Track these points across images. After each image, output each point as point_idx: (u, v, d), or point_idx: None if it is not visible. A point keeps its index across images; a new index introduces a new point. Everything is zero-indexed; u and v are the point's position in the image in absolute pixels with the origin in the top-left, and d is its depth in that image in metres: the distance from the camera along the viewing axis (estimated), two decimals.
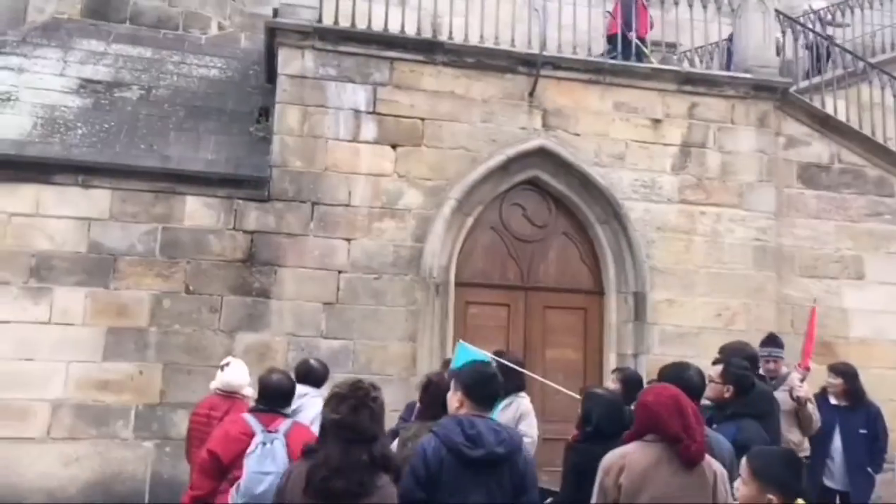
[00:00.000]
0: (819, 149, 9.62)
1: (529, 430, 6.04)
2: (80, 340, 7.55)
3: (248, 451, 4.38)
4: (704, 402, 4.90)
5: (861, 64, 10.27)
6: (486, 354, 7.28)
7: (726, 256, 9.09)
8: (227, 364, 5.67)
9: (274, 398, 4.76)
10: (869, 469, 6.67)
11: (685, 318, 8.87)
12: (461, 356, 7.39)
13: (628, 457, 3.41)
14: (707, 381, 4.88)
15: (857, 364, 9.18)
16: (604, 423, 4.29)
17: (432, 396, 4.23)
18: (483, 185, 8.74)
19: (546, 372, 8.77)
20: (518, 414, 6.11)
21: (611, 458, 3.49)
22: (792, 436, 6.09)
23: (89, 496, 7.30)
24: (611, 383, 5.85)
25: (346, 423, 3.06)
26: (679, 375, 4.21)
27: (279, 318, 8.04)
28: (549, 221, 9.08)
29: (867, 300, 9.39)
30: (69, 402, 7.47)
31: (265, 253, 8.09)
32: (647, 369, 8.52)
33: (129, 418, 7.58)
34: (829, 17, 12.19)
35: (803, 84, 10.16)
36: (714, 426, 4.72)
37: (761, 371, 6.03)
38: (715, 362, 4.94)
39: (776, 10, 10.10)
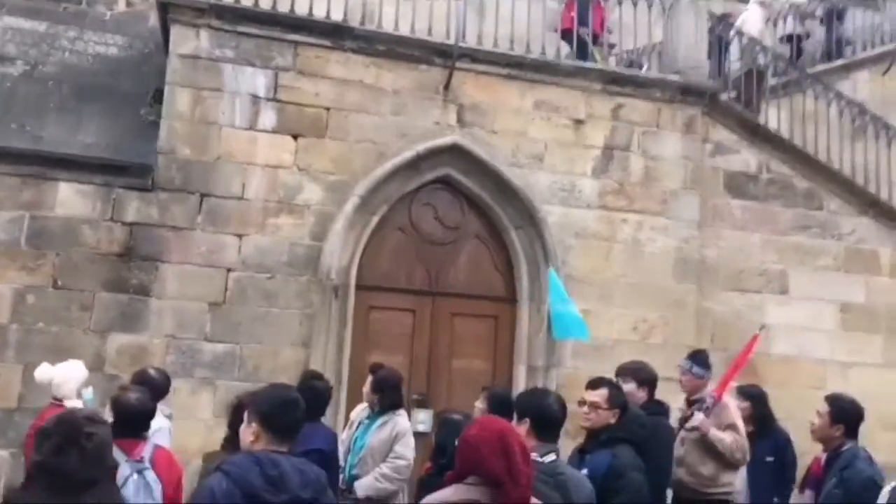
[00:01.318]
0: (747, 157, 9.24)
1: (405, 452, 5.57)
2: None
3: None
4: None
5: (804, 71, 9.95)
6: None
7: (646, 266, 8.65)
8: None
9: (135, 423, 4.19)
10: (776, 500, 6.24)
11: (600, 331, 8.38)
12: (554, 286, 6.96)
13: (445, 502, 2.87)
14: (588, 408, 4.39)
15: (779, 383, 8.87)
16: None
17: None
18: (390, 183, 8.18)
19: (452, 384, 8.29)
20: (394, 434, 5.65)
21: None
22: (703, 469, 5.59)
23: None
24: (479, 402, 5.34)
25: (48, 465, 2.47)
26: (537, 405, 3.69)
27: (158, 319, 7.39)
28: (462, 224, 8.56)
29: (791, 316, 9.03)
30: None
31: (146, 247, 7.43)
32: (559, 383, 8.06)
33: None
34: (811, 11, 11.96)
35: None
36: (586, 455, 4.23)
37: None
38: (593, 386, 4.43)
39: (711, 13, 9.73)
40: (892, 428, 8.51)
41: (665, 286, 8.64)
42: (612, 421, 4.20)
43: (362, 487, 5.55)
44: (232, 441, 3.69)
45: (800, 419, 8.83)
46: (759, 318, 8.97)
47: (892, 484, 3.75)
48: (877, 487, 4.10)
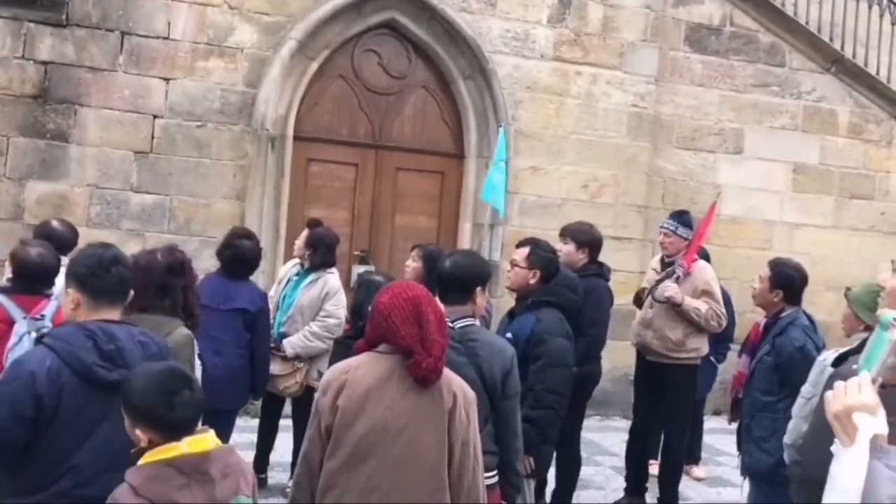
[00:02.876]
0: (711, 9, 8.75)
1: (336, 310, 5.40)
2: None
3: (10, 344, 3.68)
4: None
5: None
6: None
7: (599, 123, 8.32)
8: None
9: (36, 280, 3.89)
10: (712, 358, 6.24)
11: (549, 188, 8.16)
12: (500, 146, 6.65)
13: (352, 372, 2.64)
14: (510, 267, 4.19)
15: (725, 243, 8.82)
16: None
17: (141, 281, 3.32)
18: (331, 26, 7.60)
19: (395, 240, 8.07)
20: (324, 292, 5.46)
21: (331, 373, 2.72)
22: (671, 333, 5.46)
23: None
24: (410, 261, 5.12)
25: None
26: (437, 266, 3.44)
27: (80, 167, 6.96)
28: (408, 73, 8.06)
29: (743, 176, 8.85)
30: None
31: (62, 89, 6.89)
32: (504, 241, 7.89)
33: None
34: None
35: None
36: (513, 318, 4.06)
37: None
38: (519, 245, 4.22)
39: None
40: (836, 289, 8.53)
41: (618, 143, 8.35)
42: (532, 282, 3.99)
43: (291, 345, 5.40)
44: (130, 302, 3.41)
45: (745, 280, 8.89)
46: (711, 179, 8.82)
47: (832, 352, 3.60)
48: (807, 357, 3.99)
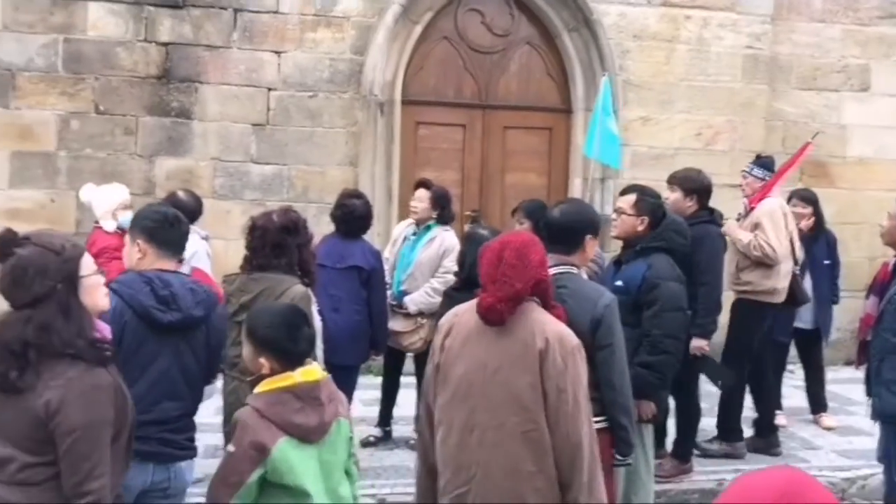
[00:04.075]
0: None
1: (454, 266, 5.44)
2: None
3: None
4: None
5: None
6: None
7: (712, 68, 8.04)
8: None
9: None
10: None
11: (660, 139, 7.98)
12: (605, 97, 6.72)
13: (459, 315, 2.73)
14: (616, 215, 4.15)
15: (853, 186, 8.42)
16: (475, 269, 3.59)
17: (259, 241, 3.54)
18: None
19: (505, 199, 8.10)
20: (442, 249, 5.57)
21: (445, 316, 2.83)
22: (730, 265, 5.41)
23: None
24: (517, 225, 5.11)
25: None
26: (541, 215, 3.45)
27: (203, 142, 7.32)
28: (511, 30, 8.02)
29: (870, 115, 8.38)
30: None
31: (183, 68, 7.24)
32: (615, 196, 7.77)
33: None
34: None
35: None
36: (622, 265, 4.03)
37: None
38: (624, 193, 4.17)
39: None
40: None
41: (732, 88, 8.05)
42: (640, 229, 3.95)
43: (413, 302, 5.53)
44: (249, 261, 3.62)
45: (875, 224, 8.45)
46: (835, 119, 8.40)
47: None
48: None
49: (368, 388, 6.73)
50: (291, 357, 2.63)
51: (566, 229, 3.31)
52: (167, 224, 3.02)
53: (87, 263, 2.36)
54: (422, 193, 5.77)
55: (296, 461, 2.56)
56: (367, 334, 5.18)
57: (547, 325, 2.63)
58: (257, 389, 2.61)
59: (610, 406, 3.16)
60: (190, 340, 2.94)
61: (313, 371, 2.66)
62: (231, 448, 2.58)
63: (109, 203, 4.97)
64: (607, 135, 6.55)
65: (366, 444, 5.54)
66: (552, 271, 3.05)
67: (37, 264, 2.23)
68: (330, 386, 2.72)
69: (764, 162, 5.83)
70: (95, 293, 2.37)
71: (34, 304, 2.23)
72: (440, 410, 2.69)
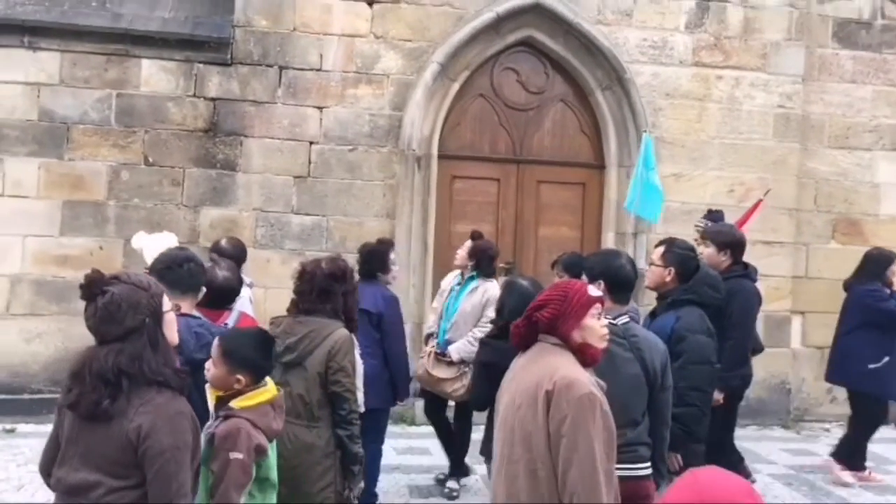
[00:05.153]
0: (860, 3, 8.42)
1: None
2: (35, 214, 7.22)
3: None
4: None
5: None
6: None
7: (744, 126, 8.17)
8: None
9: (222, 298, 4.33)
10: None
11: (693, 195, 8.08)
12: (648, 150, 6.84)
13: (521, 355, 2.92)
14: (647, 266, 4.25)
15: (887, 243, 8.39)
16: (514, 317, 3.71)
17: (307, 286, 3.69)
18: (471, 47, 7.90)
19: (538, 252, 8.23)
20: (485, 299, 5.72)
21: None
22: None
23: (53, 373, 7.14)
24: (556, 278, 5.25)
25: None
26: (608, 265, 3.56)
27: (246, 193, 7.56)
28: (546, 87, 8.24)
29: None
30: (27, 277, 7.22)
31: (229, 122, 7.53)
32: (648, 249, 7.86)
33: None
34: None
35: None
36: (655, 318, 4.12)
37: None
38: (657, 245, 4.28)
39: None
40: None
41: (764, 146, 8.17)
42: (668, 279, 4.03)
43: (456, 350, 5.65)
44: (296, 305, 3.77)
45: None
46: (868, 178, 8.47)
47: None
48: None
49: (401, 436, 6.82)
50: (264, 373, 3.07)
51: (633, 282, 3.49)
52: (175, 264, 3.25)
53: (166, 300, 2.56)
54: (467, 243, 5.98)
55: (272, 459, 3.05)
56: (383, 377, 5.11)
57: (560, 370, 2.70)
58: (240, 403, 2.96)
59: (664, 444, 3.28)
60: (197, 381, 3.05)
61: (273, 385, 3.11)
62: (238, 455, 2.83)
63: (159, 250, 5.14)
64: (650, 189, 6.66)
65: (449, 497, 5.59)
66: (619, 320, 3.17)
67: (129, 300, 2.41)
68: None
69: (714, 216, 6.15)
70: (172, 328, 2.57)
71: (125, 337, 2.40)
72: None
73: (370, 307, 5.02)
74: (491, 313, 5.56)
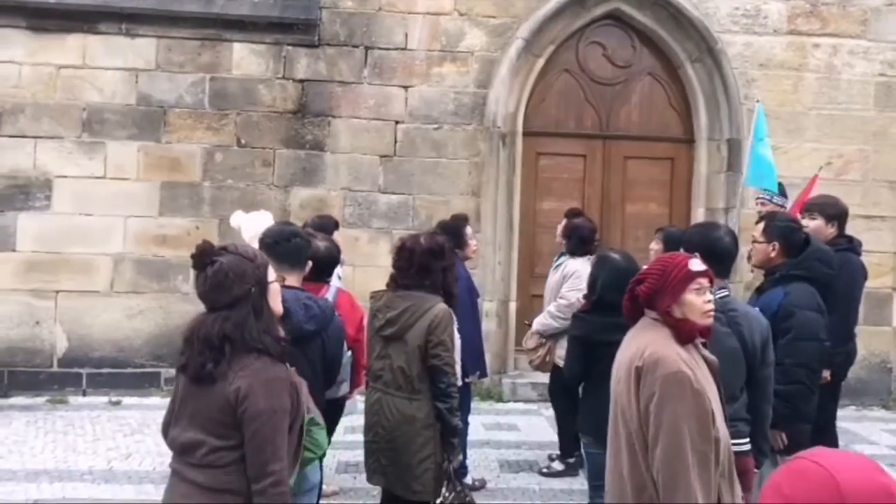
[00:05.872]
0: None
1: (568, 293, 5.53)
2: (135, 195, 7.49)
3: None
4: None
5: None
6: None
7: (843, 96, 7.86)
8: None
9: (322, 269, 4.45)
10: None
11: (789, 168, 7.75)
12: (760, 121, 6.75)
13: None
14: (752, 244, 4.13)
15: None
16: (608, 292, 3.67)
17: (406, 262, 3.73)
18: (555, 22, 7.81)
19: (626, 228, 8.12)
20: (562, 276, 5.63)
21: None
22: None
23: (155, 348, 7.45)
24: (654, 244, 5.17)
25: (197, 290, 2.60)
26: (705, 237, 3.48)
27: (335, 172, 7.68)
28: (633, 61, 8.09)
29: None
30: (129, 256, 7.51)
31: (317, 103, 7.64)
32: (741, 225, 7.63)
33: (188, 273, 7.54)
34: None
35: None
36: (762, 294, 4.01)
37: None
38: (759, 220, 4.14)
39: None
40: None
41: (864, 116, 7.85)
42: (773, 254, 3.91)
43: (536, 321, 5.69)
44: (395, 280, 3.81)
45: None
46: None
47: None
48: None
49: (489, 412, 6.87)
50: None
51: (732, 254, 3.43)
52: (283, 238, 3.29)
53: (271, 271, 2.64)
54: (564, 221, 5.94)
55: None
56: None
57: (651, 346, 2.65)
58: None
59: (766, 421, 3.21)
60: (306, 351, 3.15)
61: None
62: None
63: (256, 228, 5.28)
64: (761, 161, 6.47)
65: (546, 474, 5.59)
66: (717, 294, 3.11)
67: (236, 270, 2.51)
68: None
69: (781, 189, 6.11)
70: (276, 298, 2.65)
71: (232, 305, 2.50)
72: None
73: None
74: (565, 289, 5.57)
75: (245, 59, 7.58)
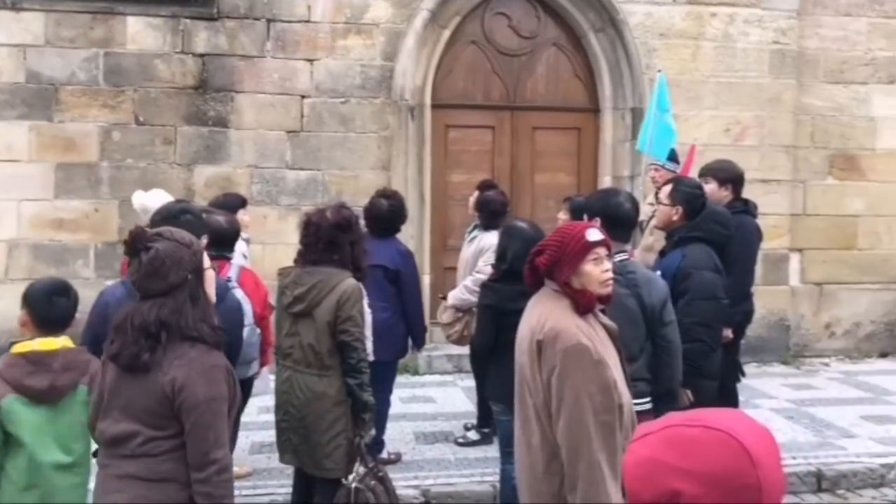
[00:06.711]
0: None
1: (485, 267, 5.48)
2: (28, 177, 7.16)
3: None
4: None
5: None
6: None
7: (739, 63, 8.10)
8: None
9: (220, 243, 4.32)
10: None
11: (689, 135, 7.93)
12: (662, 91, 6.76)
13: None
14: (655, 205, 4.24)
15: (884, 178, 8.43)
16: (518, 262, 3.71)
17: (313, 237, 3.67)
18: None
19: (535, 198, 8.22)
20: (478, 249, 5.65)
21: None
22: None
23: None
24: (562, 213, 5.25)
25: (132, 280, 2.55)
26: (606, 203, 3.55)
27: (240, 149, 7.50)
28: (538, 32, 8.13)
29: None
30: (24, 242, 7.19)
31: (219, 78, 7.43)
32: (644, 192, 7.84)
33: (88, 257, 7.30)
34: None
35: None
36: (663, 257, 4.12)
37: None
38: (665, 183, 4.26)
39: None
40: None
41: (760, 83, 8.11)
42: (675, 218, 4.03)
43: (451, 295, 5.67)
44: (303, 256, 3.76)
45: None
46: (864, 112, 8.43)
47: None
48: None
49: (406, 386, 6.88)
50: (46, 325, 2.99)
51: (633, 219, 3.47)
52: (171, 216, 3.25)
53: (206, 258, 2.61)
54: (476, 193, 5.93)
55: (22, 416, 2.94)
56: (397, 331, 5.15)
57: (550, 319, 2.68)
58: (13, 349, 3.00)
59: (668, 381, 3.31)
60: None
61: (52, 342, 2.99)
62: None
63: (152, 205, 5.12)
64: (663, 129, 6.59)
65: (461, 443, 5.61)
66: (617, 257, 3.15)
67: (173, 256, 2.46)
68: (75, 357, 3.03)
69: (672, 155, 6.18)
70: (211, 285, 2.64)
71: (168, 292, 2.45)
72: None
73: (387, 262, 5.00)
74: (481, 263, 5.56)
75: (140, 32, 7.29)
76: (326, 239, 3.63)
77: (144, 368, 2.41)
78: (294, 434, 3.64)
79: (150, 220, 3.43)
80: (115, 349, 2.47)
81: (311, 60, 7.55)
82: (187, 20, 7.35)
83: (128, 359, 2.43)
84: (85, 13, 7.19)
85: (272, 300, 4.39)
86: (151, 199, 5.13)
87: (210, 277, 2.62)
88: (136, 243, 2.47)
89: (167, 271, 2.44)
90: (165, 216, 3.37)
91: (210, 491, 2.38)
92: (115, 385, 2.49)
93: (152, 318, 2.42)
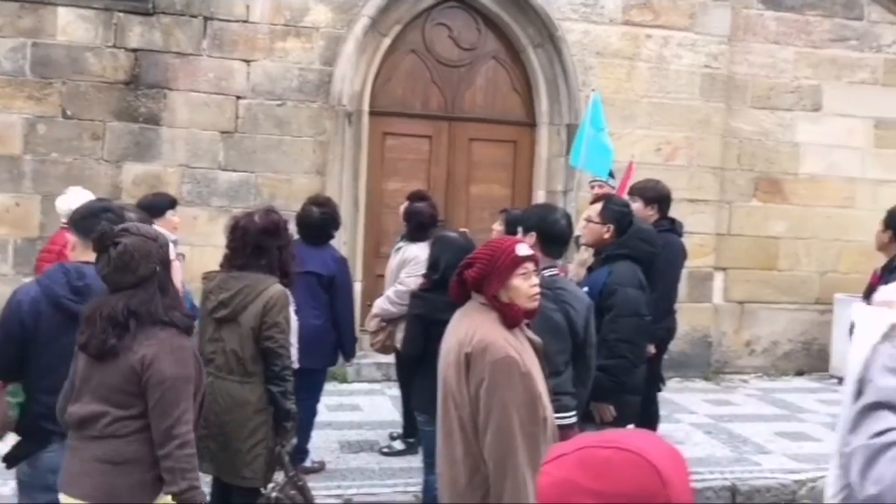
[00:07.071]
0: None
1: (406, 279, 5.44)
2: None
3: None
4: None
5: None
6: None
7: (671, 85, 8.30)
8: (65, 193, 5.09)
9: None
10: None
11: (622, 153, 8.06)
12: (597, 110, 6.76)
13: None
14: (584, 223, 4.31)
15: (805, 202, 8.73)
16: (450, 272, 3.72)
17: (239, 242, 3.62)
18: (401, 2, 7.79)
19: (470, 209, 8.26)
20: (401, 260, 5.59)
21: None
22: None
23: None
24: (496, 225, 5.29)
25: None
26: (543, 219, 3.59)
27: (171, 148, 7.35)
28: (478, 44, 8.19)
29: (822, 134, 8.70)
30: None
31: (152, 74, 7.27)
32: (577, 207, 7.94)
33: (7, 253, 7.04)
34: None
35: None
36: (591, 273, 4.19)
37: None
38: (593, 201, 4.33)
39: None
40: None
41: (691, 105, 8.32)
42: (606, 236, 4.11)
43: (375, 305, 5.64)
44: (229, 260, 3.69)
45: (825, 239, 8.80)
46: (789, 137, 8.71)
47: None
48: None
49: (333, 394, 6.82)
50: None
51: (567, 236, 3.52)
52: (91, 215, 3.13)
53: (172, 249, 2.72)
54: (405, 203, 5.85)
55: None
56: (326, 339, 5.11)
57: (478, 332, 2.69)
58: None
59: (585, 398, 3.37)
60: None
61: None
62: None
63: (77, 206, 4.98)
64: (599, 147, 6.70)
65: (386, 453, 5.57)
66: (546, 273, 3.18)
67: (141, 250, 2.58)
68: None
69: (612, 173, 6.55)
70: (177, 275, 2.77)
71: (137, 285, 2.58)
72: None
73: (320, 269, 4.96)
74: (403, 275, 5.50)
75: (71, 24, 7.09)
76: (254, 243, 3.58)
77: (113, 353, 2.53)
78: (213, 441, 3.56)
79: (69, 219, 3.32)
80: (84, 339, 2.59)
81: (248, 61, 7.46)
82: (121, 14, 7.18)
83: (97, 347, 2.55)
84: (13, 1, 6.95)
85: (197, 302, 4.31)
86: (75, 200, 4.97)
87: (176, 268, 2.73)
88: (103, 239, 2.59)
89: (136, 265, 2.56)
90: (85, 214, 3.28)
91: (172, 465, 2.47)
92: (86, 372, 2.60)
93: (120, 307, 2.54)
